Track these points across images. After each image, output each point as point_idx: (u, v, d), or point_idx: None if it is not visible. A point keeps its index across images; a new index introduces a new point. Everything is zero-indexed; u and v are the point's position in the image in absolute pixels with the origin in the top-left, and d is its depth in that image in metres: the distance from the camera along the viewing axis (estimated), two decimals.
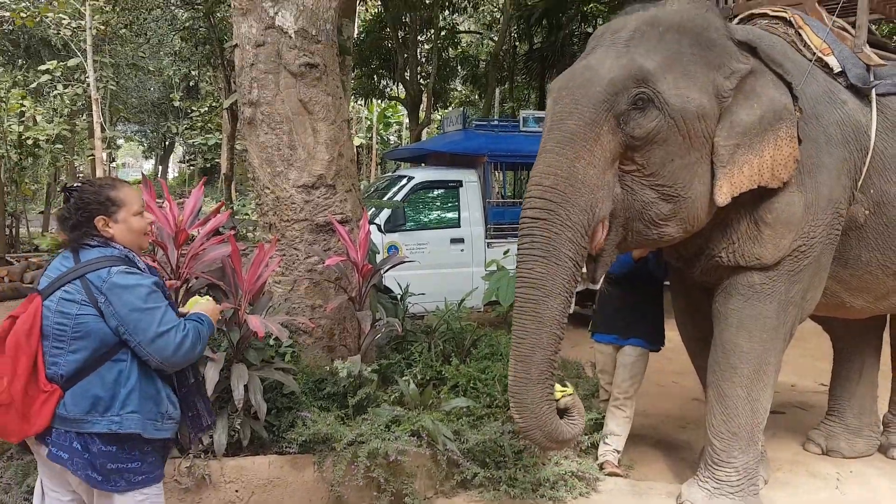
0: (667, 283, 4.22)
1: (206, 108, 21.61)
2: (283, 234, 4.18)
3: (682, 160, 3.02)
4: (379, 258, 4.80)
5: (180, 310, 2.42)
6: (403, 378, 4.03)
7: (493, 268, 5.90)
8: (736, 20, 3.97)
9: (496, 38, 18.93)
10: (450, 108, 21.16)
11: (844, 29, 3.94)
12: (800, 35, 3.63)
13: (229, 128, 16.05)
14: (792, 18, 3.70)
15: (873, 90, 3.54)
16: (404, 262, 4.42)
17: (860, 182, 3.45)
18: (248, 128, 4.21)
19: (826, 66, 3.55)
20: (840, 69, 3.53)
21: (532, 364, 2.91)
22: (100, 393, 2.15)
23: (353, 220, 4.32)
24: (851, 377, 4.40)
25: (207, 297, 2.52)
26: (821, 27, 3.68)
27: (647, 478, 4.01)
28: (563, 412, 3.15)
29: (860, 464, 4.25)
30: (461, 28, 21.54)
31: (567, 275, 2.92)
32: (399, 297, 5.08)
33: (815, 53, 3.53)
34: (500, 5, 18.33)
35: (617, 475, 3.94)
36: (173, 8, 15.62)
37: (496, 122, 10.30)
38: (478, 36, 23.25)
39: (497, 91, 20.26)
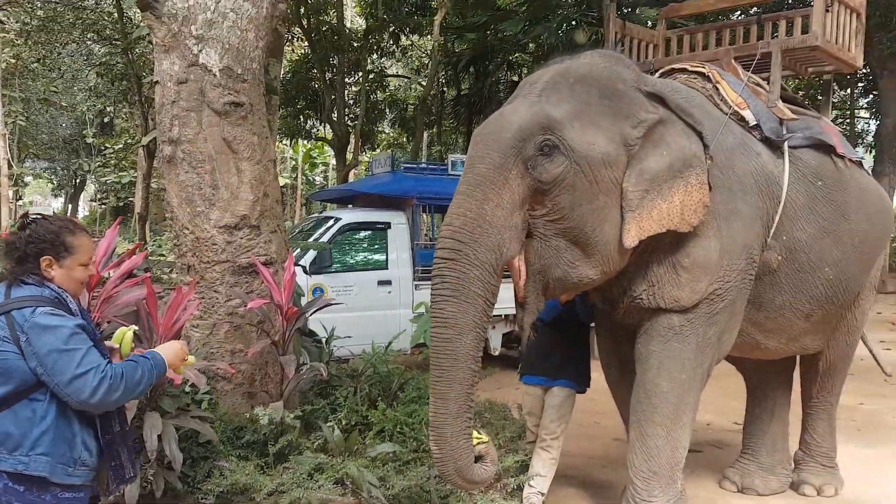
0: (591, 325, 4.27)
1: (121, 146, 21.02)
2: (202, 276, 4.05)
3: (589, 205, 3.11)
4: (304, 300, 4.70)
5: (108, 343, 2.34)
6: (328, 424, 3.92)
7: (421, 310, 5.87)
8: (657, 74, 4.13)
9: (424, 83, 19.21)
10: (377, 150, 21.27)
11: (759, 84, 4.15)
12: (717, 89, 3.80)
13: (145, 166, 15.64)
14: (710, 73, 3.88)
15: (786, 143, 3.72)
16: (330, 304, 4.35)
17: (773, 229, 3.60)
18: (168, 166, 4.08)
19: (742, 120, 3.71)
20: (755, 122, 3.71)
21: (450, 399, 2.95)
22: (11, 430, 2.09)
23: (278, 261, 4.23)
24: (764, 416, 4.54)
25: (133, 327, 2.42)
26: (737, 82, 3.87)
27: None
28: (477, 458, 3.14)
29: (774, 500, 4.35)
30: (389, 71, 21.79)
31: (477, 311, 2.97)
32: (324, 340, 4.98)
33: (731, 107, 3.70)
34: (429, 51, 18.65)
35: None
36: (89, 43, 15.20)
37: (425, 166, 10.36)
38: (406, 80, 23.59)
39: (425, 134, 20.50)
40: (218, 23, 4.02)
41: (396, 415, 4.17)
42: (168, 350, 2.36)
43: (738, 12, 12.02)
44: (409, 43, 20.06)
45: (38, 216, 2.26)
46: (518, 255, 3.09)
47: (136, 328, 2.46)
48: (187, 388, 3.61)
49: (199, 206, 4.04)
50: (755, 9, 8.19)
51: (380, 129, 22.43)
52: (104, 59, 14.59)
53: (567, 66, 3.37)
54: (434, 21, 15.44)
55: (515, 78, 18.41)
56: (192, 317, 3.88)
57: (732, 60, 4.27)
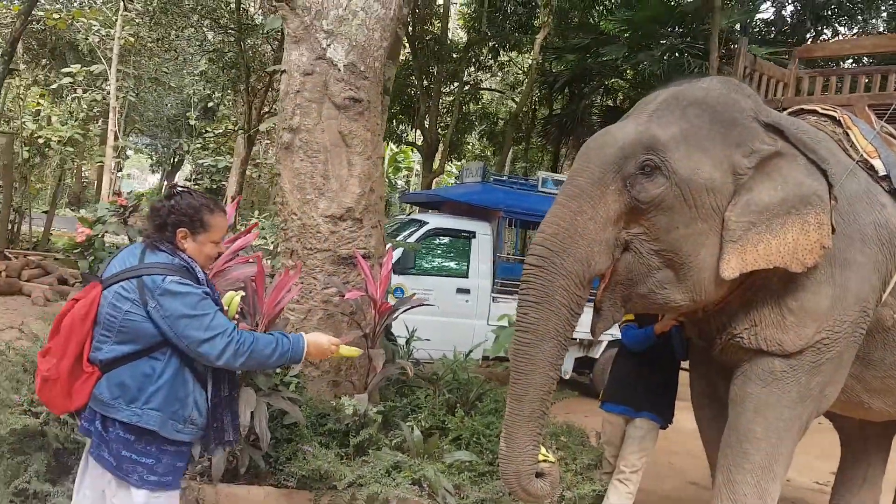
0: (684, 364, 4.17)
1: (221, 131, 21.81)
2: (304, 262, 4.14)
3: (686, 229, 3.05)
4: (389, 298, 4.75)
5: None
6: (407, 423, 3.94)
7: (504, 322, 5.87)
8: (786, 113, 4.01)
9: (517, 99, 19.25)
10: (463, 161, 21.41)
11: (892, 135, 3.99)
12: (847, 135, 3.66)
13: (243, 153, 16.18)
14: (841, 118, 3.75)
15: None
16: (423, 304, 4.37)
17: (891, 285, 3.44)
18: (285, 153, 4.21)
19: (871, 169, 3.57)
20: (885, 173, 3.56)
21: (524, 402, 2.96)
22: (129, 383, 2.26)
23: (376, 256, 4.29)
24: (856, 480, 4.33)
25: (241, 293, 2.56)
26: (869, 130, 3.72)
27: None
28: (538, 475, 3.10)
29: None
30: (484, 85, 21.94)
31: (560, 320, 2.96)
32: (406, 339, 5.01)
33: (861, 154, 3.56)
34: (526, 69, 18.69)
35: None
36: (205, 29, 15.87)
37: (514, 180, 10.38)
38: (499, 94, 23.71)
39: (511, 150, 20.54)
40: (348, 19, 4.13)
41: (474, 424, 4.15)
42: (314, 341, 2.46)
43: (874, 60, 11.61)
44: (508, 59, 20.17)
45: (185, 189, 2.42)
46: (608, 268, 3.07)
47: (244, 293, 2.58)
48: (278, 369, 3.69)
49: (310, 195, 4.14)
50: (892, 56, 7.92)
51: (468, 140, 22.61)
52: (217, 46, 15.19)
53: (683, 88, 3.32)
54: (535, 39, 15.50)
55: (610, 103, 18.28)
56: (290, 300, 3.98)
57: (866, 108, 4.11)
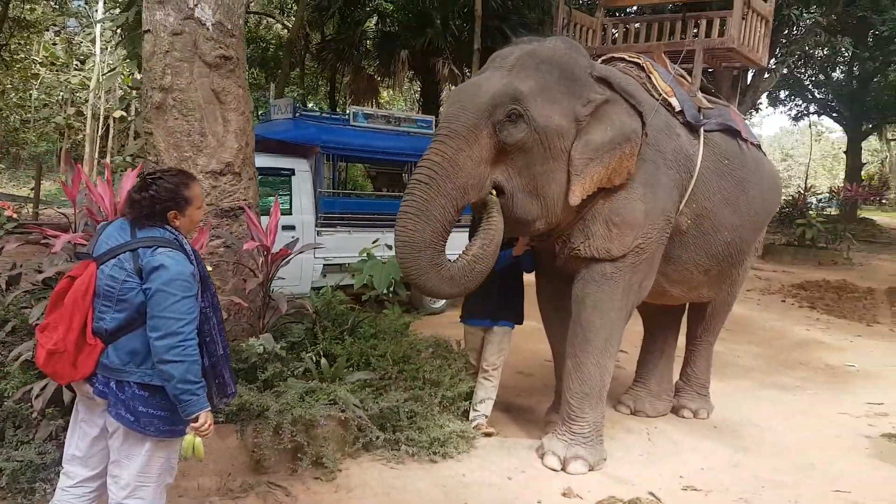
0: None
1: None
2: None
3: (542, 167, 3.86)
4: None
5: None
6: (307, 354, 4.39)
7: (364, 256, 6.34)
8: (599, 61, 4.87)
9: (287, 23, 18.58)
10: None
11: (682, 76, 5.00)
12: (650, 78, 4.58)
13: None
14: (644, 64, 4.66)
15: (702, 128, 4.58)
16: (316, 247, 4.75)
17: (685, 198, 4.45)
18: (156, 112, 4.29)
19: (669, 106, 4.51)
20: (679, 108, 4.53)
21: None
22: (138, 347, 2.48)
23: (254, 206, 4.57)
24: (655, 352, 5.52)
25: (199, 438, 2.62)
26: (666, 73, 4.68)
27: (510, 436, 4.77)
28: None
29: (661, 422, 5.34)
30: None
31: (435, 233, 3.66)
32: None
33: (661, 94, 4.49)
34: None
35: (490, 434, 4.65)
36: None
37: (326, 115, 10.55)
38: (266, 18, 22.76)
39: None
40: None
41: (362, 347, 4.70)
42: (209, 415, 2.55)
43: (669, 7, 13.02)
44: None
45: (156, 175, 2.58)
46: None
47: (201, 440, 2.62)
48: None
49: (187, 152, 4.30)
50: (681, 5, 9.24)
51: None
52: None
53: (534, 47, 4.05)
54: None
55: (386, 29, 18.33)
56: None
57: (662, 54, 5.09)
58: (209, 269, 4.31)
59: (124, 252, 2.47)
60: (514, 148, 3.77)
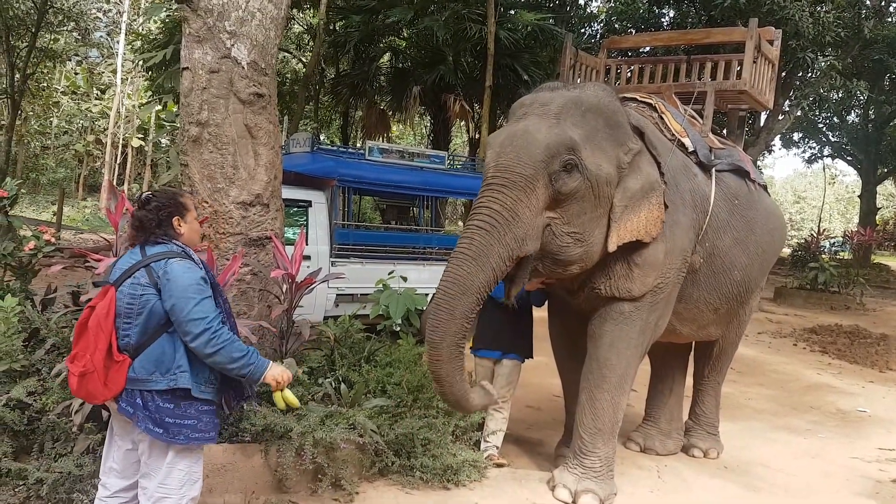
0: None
1: None
2: (216, 246, 4.52)
3: (590, 214, 3.94)
4: None
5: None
6: (327, 379, 4.55)
7: (381, 286, 6.55)
8: None
9: (304, 59, 19.01)
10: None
11: (694, 117, 5.18)
12: (662, 119, 4.74)
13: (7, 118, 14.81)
14: (656, 105, 4.83)
15: (714, 168, 4.73)
16: (339, 277, 4.95)
17: (700, 237, 4.56)
18: (192, 145, 4.52)
19: (682, 146, 4.65)
20: (693, 149, 4.68)
21: (443, 348, 3.61)
22: (161, 355, 2.65)
23: (280, 236, 4.78)
24: (664, 391, 5.57)
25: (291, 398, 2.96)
26: (678, 113, 4.84)
27: (521, 467, 4.88)
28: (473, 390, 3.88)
29: (671, 460, 5.38)
30: None
31: (485, 280, 3.67)
32: None
33: (674, 135, 4.64)
34: (306, 26, 18.57)
35: (501, 465, 4.76)
36: None
37: (342, 149, 10.84)
38: (285, 54, 23.29)
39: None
40: (247, 20, 4.51)
41: (379, 374, 4.86)
42: (276, 367, 2.84)
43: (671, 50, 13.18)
44: (290, 16, 19.80)
45: (151, 193, 2.83)
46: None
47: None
48: None
49: (220, 184, 4.52)
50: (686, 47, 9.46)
51: None
52: None
53: (577, 94, 4.10)
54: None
55: (400, 65, 18.70)
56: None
57: (672, 95, 5.30)
58: (235, 293, 4.54)
59: (138, 269, 2.66)
60: (567, 197, 3.82)
